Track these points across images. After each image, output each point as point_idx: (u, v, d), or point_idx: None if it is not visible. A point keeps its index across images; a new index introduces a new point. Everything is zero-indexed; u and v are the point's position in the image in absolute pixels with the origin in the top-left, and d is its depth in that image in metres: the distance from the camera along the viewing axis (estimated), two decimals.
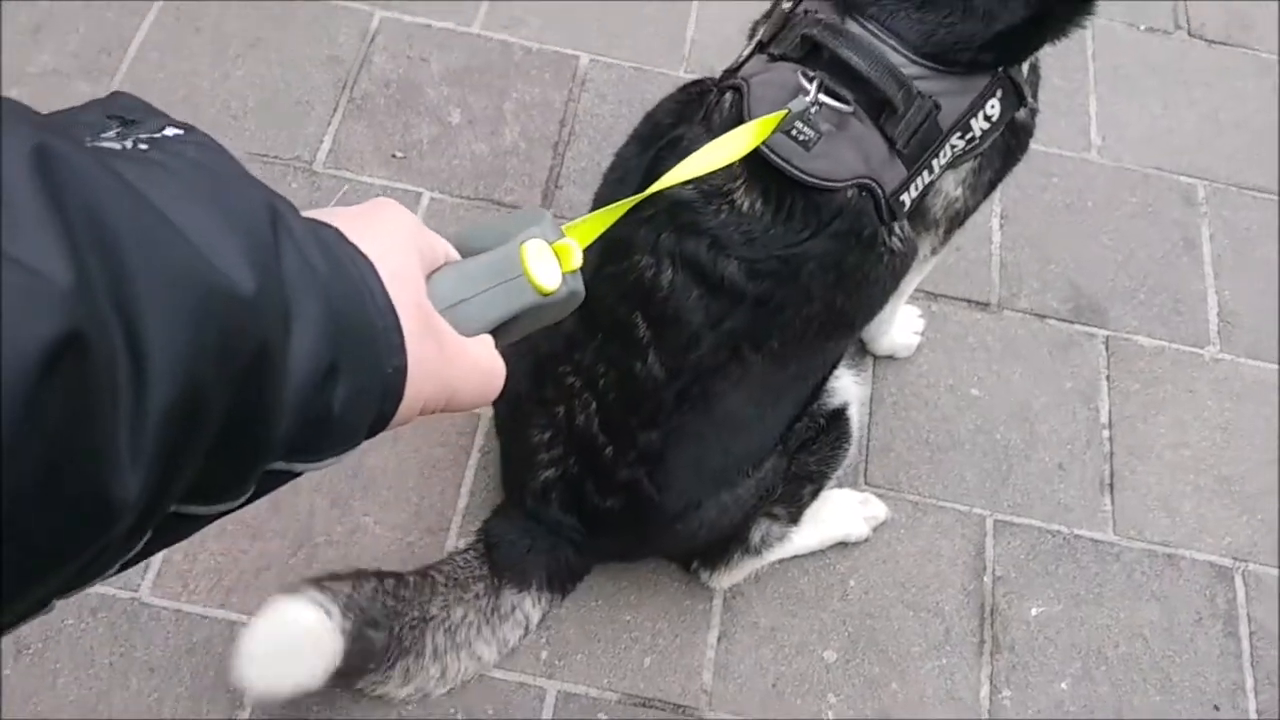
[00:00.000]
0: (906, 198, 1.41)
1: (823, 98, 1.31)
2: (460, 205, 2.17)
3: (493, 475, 1.84)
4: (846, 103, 1.32)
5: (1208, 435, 2.04)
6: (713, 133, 1.37)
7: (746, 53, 1.48)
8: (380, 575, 1.55)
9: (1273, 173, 2.39)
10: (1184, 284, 2.22)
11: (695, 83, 1.53)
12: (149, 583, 1.73)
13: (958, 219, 1.60)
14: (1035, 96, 1.52)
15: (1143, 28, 2.59)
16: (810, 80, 1.31)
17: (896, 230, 1.42)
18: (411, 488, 1.84)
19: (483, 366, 0.68)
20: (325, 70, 2.32)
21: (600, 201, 1.56)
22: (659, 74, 2.39)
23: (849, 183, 1.34)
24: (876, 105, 1.33)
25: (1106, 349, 2.12)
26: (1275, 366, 2.13)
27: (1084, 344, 2.12)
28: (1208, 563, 1.90)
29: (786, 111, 1.27)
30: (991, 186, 1.59)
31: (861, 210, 1.36)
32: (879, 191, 1.36)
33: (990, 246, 2.21)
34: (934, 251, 1.66)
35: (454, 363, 0.65)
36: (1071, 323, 2.14)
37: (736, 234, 1.36)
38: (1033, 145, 1.59)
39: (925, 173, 1.40)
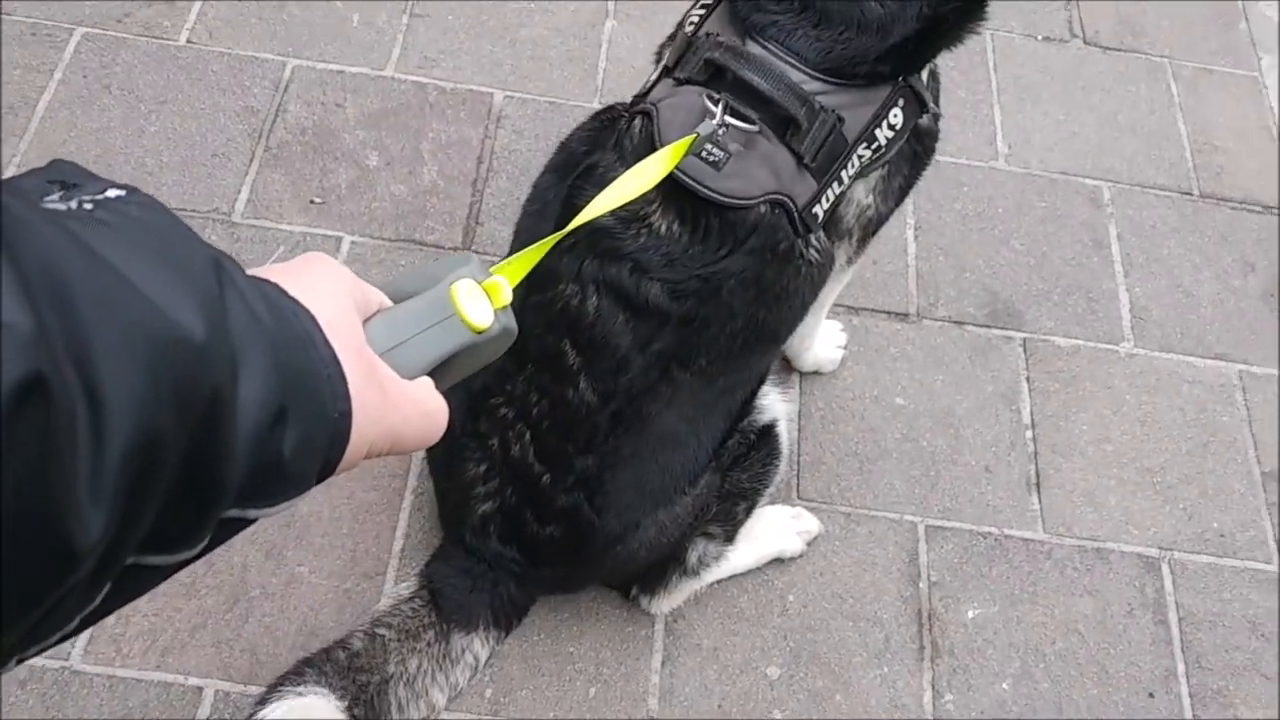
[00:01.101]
0: (819, 209, 1.44)
1: (729, 119, 1.34)
2: (382, 247, 2.17)
3: (427, 516, 1.84)
4: (752, 122, 1.34)
5: (1128, 429, 2.10)
6: (625, 158, 1.40)
7: (654, 77, 1.50)
8: (332, 651, 1.54)
9: (1172, 171, 2.47)
10: (1095, 283, 2.28)
11: (606, 110, 1.55)
12: (80, 650, 1.70)
13: (871, 227, 1.63)
14: (937, 102, 1.56)
15: (1040, 38, 2.67)
16: (716, 102, 1.34)
17: (812, 242, 1.45)
18: (345, 534, 1.83)
19: (424, 407, 0.70)
20: (240, 121, 2.31)
21: (521, 234, 1.58)
22: (573, 106, 2.41)
23: (761, 199, 1.36)
24: (782, 123, 1.36)
25: (1024, 351, 2.17)
26: (1188, 358, 2.19)
27: (1002, 348, 2.17)
28: (1135, 554, 1.95)
29: (695, 136, 1.30)
30: (902, 193, 1.62)
31: (775, 225, 1.39)
32: (791, 205, 1.39)
33: (906, 258, 2.26)
34: (850, 261, 1.69)
35: (397, 405, 0.67)
36: (989, 327, 2.19)
37: (657, 256, 1.38)
38: (942, 156, 1.63)
39: (835, 184, 1.44)
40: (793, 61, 1.37)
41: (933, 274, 2.25)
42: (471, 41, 2.49)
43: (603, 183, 1.31)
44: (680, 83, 1.42)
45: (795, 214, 1.40)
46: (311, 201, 2.21)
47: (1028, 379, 2.13)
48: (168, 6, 2.46)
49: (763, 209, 1.37)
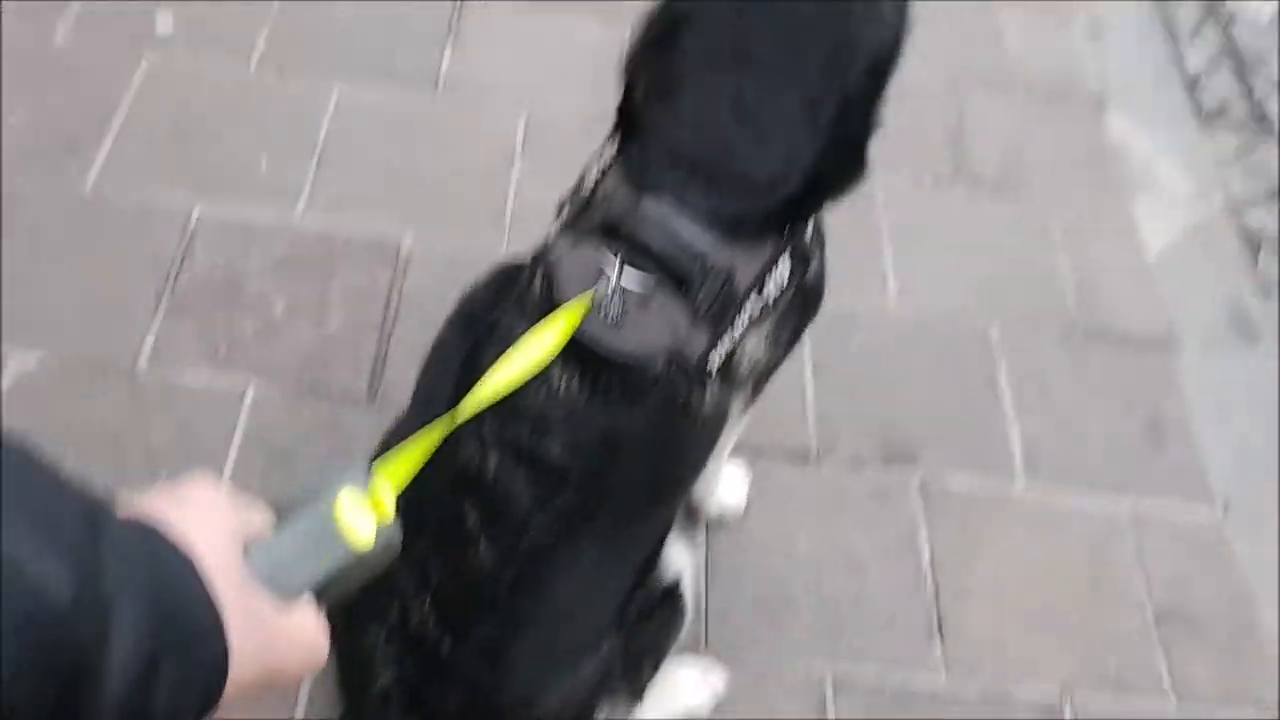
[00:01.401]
0: (714, 362, 1.47)
1: (624, 277, 1.37)
2: (287, 399, 2.17)
3: (328, 687, 1.80)
4: (648, 280, 1.39)
5: (1025, 569, 2.15)
6: (525, 315, 1.42)
7: (553, 232, 1.54)
8: None
9: (1056, 309, 2.58)
10: (988, 422, 2.35)
11: (508, 264, 1.58)
12: None
13: (764, 375, 1.67)
14: (824, 252, 1.61)
15: (926, 182, 2.79)
16: (612, 260, 1.38)
17: (708, 393, 1.49)
18: (243, 708, 1.78)
19: (304, 637, 0.70)
20: (145, 270, 2.31)
21: (420, 391, 1.58)
22: (482, 250, 2.44)
23: (658, 354, 1.40)
24: (676, 279, 1.40)
25: (922, 492, 2.22)
26: (1080, 496, 2.26)
27: (901, 490, 2.21)
28: (1037, 698, 1.98)
29: (591, 297, 1.33)
30: (792, 343, 1.66)
31: (674, 379, 1.42)
32: (687, 359, 1.43)
33: (805, 400, 2.31)
34: (744, 409, 1.73)
35: (276, 640, 0.67)
36: (888, 467, 2.24)
37: (557, 413, 1.39)
38: (837, 298, 1.67)
39: (729, 337, 1.48)
40: (686, 219, 1.41)
41: (831, 415, 2.30)
42: (380, 186, 2.52)
43: (505, 341, 1.33)
44: (579, 238, 1.46)
45: (691, 367, 1.44)
46: (216, 352, 2.21)
47: (926, 520, 2.18)
48: (74, 149, 2.46)
49: (661, 364, 1.41)
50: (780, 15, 1.45)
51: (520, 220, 2.52)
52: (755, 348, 1.61)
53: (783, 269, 1.49)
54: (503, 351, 1.15)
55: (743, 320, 1.48)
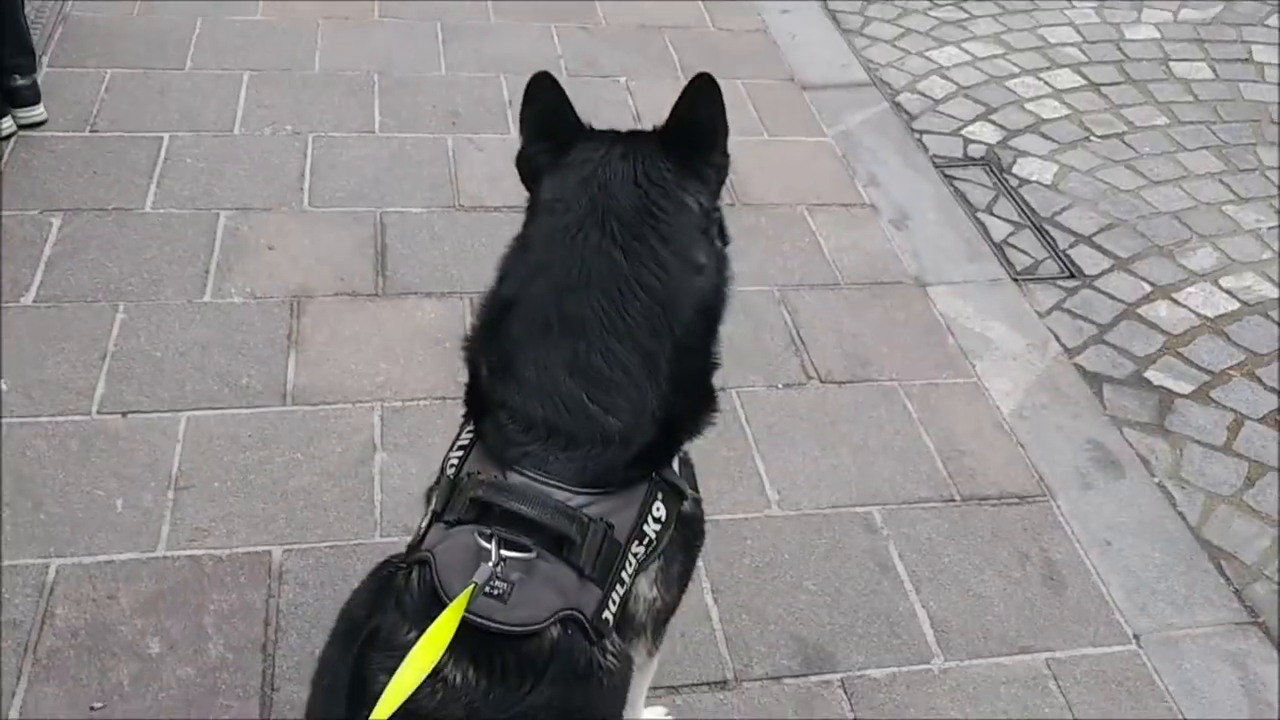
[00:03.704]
0: (609, 614, 1.45)
1: (504, 552, 1.36)
2: None
3: None
4: (527, 549, 1.37)
5: None
6: (407, 616, 1.38)
7: (425, 524, 1.52)
8: None
9: (930, 483, 2.63)
10: (892, 606, 2.35)
11: (384, 565, 1.54)
12: None
13: (661, 616, 1.66)
14: (694, 486, 1.63)
15: (780, 385, 2.88)
16: (489, 539, 1.37)
17: (608, 647, 1.45)
18: None
19: None
20: (4, 638, 2.19)
21: (314, 713, 1.51)
22: (356, 545, 2.40)
23: (552, 620, 1.37)
24: (556, 542, 1.40)
25: (845, 692, 2.18)
26: (996, 660, 2.25)
27: (824, 694, 2.17)
28: None
29: (473, 587, 1.31)
30: (684, 579, 1.66)
31: (572, 645, 1.39)
32: (582, 618, 1.40)
33: (711, 623, 2.28)
34: (651, 653, 1.69)
35: None
36: (806, 676, 2.20)
37: (459, 710, 1.34)
38: (720, 515, 1.70)
39: (619, 585, 1.46)
40: (554, 483, 1.42)
41: (740, 634, 2.27)
42: (241, 503, 2.47)
43: (388, 646, 1.31)
44: (451, 525, 1.45)
45: (587, 625, 1.41)
46: (92, 709, 2.08)
47: (855, 716, 2.14)
48: None
49: (555, 632, 1.38)
50: (604, 285, 1.51)
51: (390, 509, 2.49)
52: (648, 590, 1.60)
53: (657, 510, 1.51)
54: (389, 661, 1.12)
55: (629, 566, 1.48)
